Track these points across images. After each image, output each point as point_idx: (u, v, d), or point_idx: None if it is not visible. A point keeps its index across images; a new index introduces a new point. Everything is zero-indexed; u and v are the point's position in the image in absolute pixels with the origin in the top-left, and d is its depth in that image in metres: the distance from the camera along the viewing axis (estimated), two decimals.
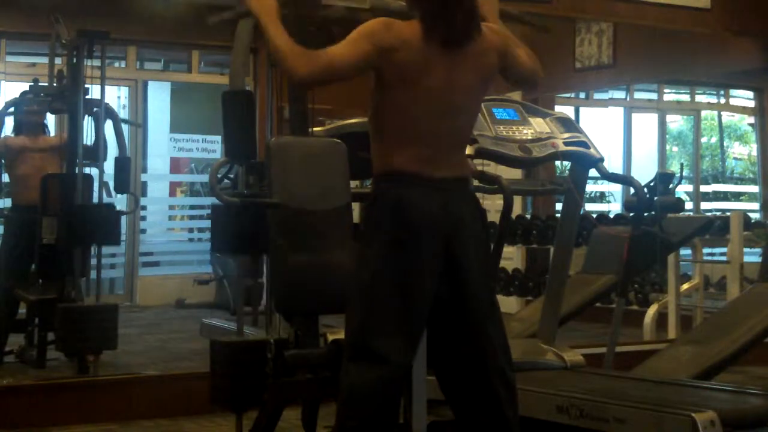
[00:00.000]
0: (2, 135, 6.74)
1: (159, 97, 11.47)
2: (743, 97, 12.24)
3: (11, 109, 6.81)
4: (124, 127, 6.73)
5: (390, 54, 2.84)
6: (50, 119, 7.80)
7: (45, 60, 6.92)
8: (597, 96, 11.29)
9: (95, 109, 6.18)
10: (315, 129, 4.12)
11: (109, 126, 6.36)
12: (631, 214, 4.93)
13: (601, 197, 11.57)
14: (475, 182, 3.82)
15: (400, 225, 2.85)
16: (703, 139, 13.39)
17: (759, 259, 6.43)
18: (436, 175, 2.89)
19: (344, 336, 2.94)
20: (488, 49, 2.96)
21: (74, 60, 6.09)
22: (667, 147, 12.64)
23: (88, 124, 6.20)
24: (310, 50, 2.83)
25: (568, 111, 8.24)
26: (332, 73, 2.85)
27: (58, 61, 6.65)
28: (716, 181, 13.56)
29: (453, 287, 2.90)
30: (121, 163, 6.56)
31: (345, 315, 2.96)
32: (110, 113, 6.48)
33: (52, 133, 7.09)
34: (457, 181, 2.95)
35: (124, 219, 9.73)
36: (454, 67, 2.89)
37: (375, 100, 2.93)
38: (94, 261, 6.29)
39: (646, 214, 4.75)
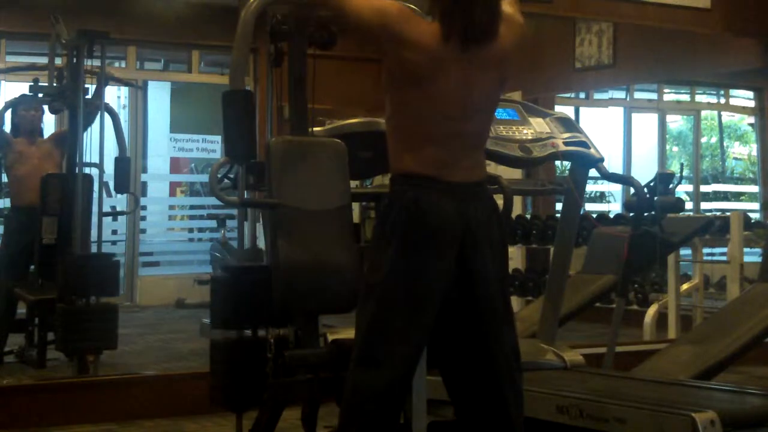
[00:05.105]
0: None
1: (159, 97, 11.48)
2: (743, 97, 12.24)
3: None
4: (125, 126, 6.72)
5: (398, 46, 2.82)
6: (51, 120, 7.85)
7: (45, 60, 6.91)
8: (597, 96, 11.29)
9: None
10: (315, 129, 4.10)
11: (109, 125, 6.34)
12: (631, 214, 4.92)
13: (601, 197, 11.58)
14: None
15: (416, 228, 2.83)
16: (703, 139, 13.40)
17: (759, 259, 6.42)
18: (452, 178, 2.86)
19: (354, 334, 2.92)
20: (508, 47, 2.91)
21: (74, 60, 6.09)
22: (667, 147, 12.66)
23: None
24: None
25: (568, 111, 8.26)
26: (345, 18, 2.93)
27: (58, 60, 6.65)
28: (716, 181, 13.58)
29: (465, 290, 2.88)
30: (121, 163, 6.56)
31: (356, 314, 2.94)
32: (110, 112, 6.48)
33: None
34: (474, 185, 2.91)
35: (124, 219, 9.78)
36: (472, 67, 2.85)
37: (390, 101, 2.91)
38: None
39: (646, 214, 4.74)
